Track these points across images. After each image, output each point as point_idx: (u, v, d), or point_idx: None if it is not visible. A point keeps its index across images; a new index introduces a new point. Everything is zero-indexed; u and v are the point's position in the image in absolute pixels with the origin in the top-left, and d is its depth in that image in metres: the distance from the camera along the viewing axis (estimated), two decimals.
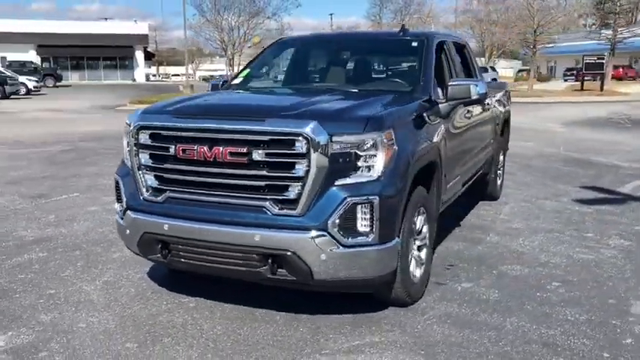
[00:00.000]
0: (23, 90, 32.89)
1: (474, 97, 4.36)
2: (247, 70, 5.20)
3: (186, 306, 3.92)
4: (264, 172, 3.33)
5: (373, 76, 5.00)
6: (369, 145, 3.31)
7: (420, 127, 3.91)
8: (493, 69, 39.83)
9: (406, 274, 3.67)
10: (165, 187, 3.62)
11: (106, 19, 68.62)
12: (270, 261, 3.33)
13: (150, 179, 3.66)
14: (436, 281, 4.35)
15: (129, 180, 3.77)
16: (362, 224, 3.29)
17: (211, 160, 3.40)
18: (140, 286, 4.29)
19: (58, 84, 43.36)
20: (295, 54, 5.48)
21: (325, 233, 3.24)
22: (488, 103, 6.07)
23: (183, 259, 3.60)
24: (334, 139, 3.25)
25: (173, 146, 3.51)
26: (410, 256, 3.77)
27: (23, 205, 6.89)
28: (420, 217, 3.95)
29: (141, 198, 3.70)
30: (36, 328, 3.59)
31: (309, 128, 3.22)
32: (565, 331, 3.54)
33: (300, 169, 3.26)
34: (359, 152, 3.31)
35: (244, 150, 3.33)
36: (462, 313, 3.79)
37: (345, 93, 4.35)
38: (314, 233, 3.25)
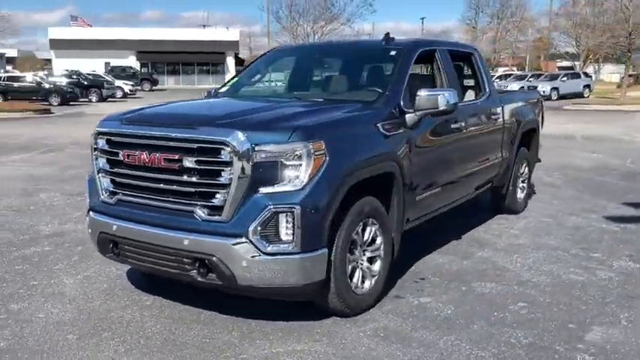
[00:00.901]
0: (120, 93, 35.15)
1: (442, 107, 4.25)
2: (236, 79, 5.37)
3: (143, 304, 4.11)
4: (194, 179, 3.46)
5: (348, 85, 4.99)
6: (294, 155, 3.35)
7: (368, 137, 3.88)
8: (586, 75, 37.74)
9: (343, 284, 3.66)
10: (117, 190, 3.84)
11: (204, 26, 71.75)
12: (197, 265, 3.45)
13: (106, 182, 3.89)
14: (396, 294, 4.29)
15: (93, 183, 4.03)
16: (283, 232, 3.33)
17: (150, 165, 3.57)
18: (114, 282, 4.54)
19: (154, 88, 45.88)
20: (281, 63, 5.58)
21: (246, 240, 3.32)
22: (495, 113, 5.87)
23: (130, 259, 3.81)
24: (258, 148, 3.32)
25: (121, 152, 3.72)
26: (349, 267, 3.75)
27: (59, 201, 7.43)
28: (369, 229, 3.92)
29: (99, 200, 3.94)
30: (1, 316, 3.91)
31: (232, 137, 3.32)
32: (498, 353, 3.40)
33: (225, 176, 3.36)
34: (285, 162, 3.36)
35: (177, 157, 3.47)
36: (401, 327, 3.73)
37: (305, 102, 4.42)
38: (236, 240, 3.34)
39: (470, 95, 5.99)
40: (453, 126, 4.95)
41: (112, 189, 3.86)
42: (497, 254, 5.27)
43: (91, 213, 4.00)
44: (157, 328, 3.72)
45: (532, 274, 4.76)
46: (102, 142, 3.88)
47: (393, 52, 4.74)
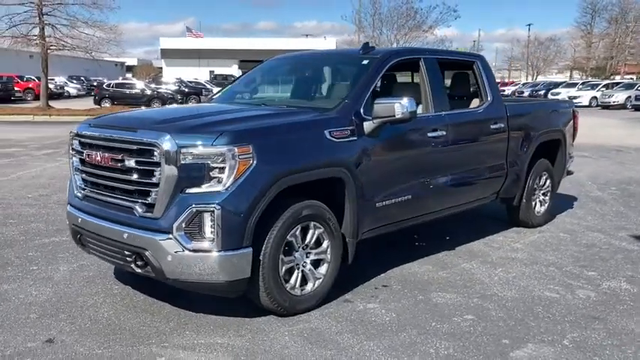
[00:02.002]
0: None
1: (398, 115, 4.26)
2: (230, 85, 5.65)
3: (111, 292, 4.47)
4: (133, 178, 3.76)
5: (318, 93, 5.09)
6: (218, 158, 3.55)
7: (310, 143, 3.99)
8: None
9: (273, 284, 3.80)
10: (84, 187, 4.23)
11: (306, 35, 73.45)
12: (135, 257, 3.75)
13: (78, 179, 4.30)
14: (348, 299, 4.36)
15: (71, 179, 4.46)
16: (205, 231, 3.54)
17: (102, 164, 3.93)
18: (100, 271, 4.95)
19: None
20: (268, 70, 5.79)
21: (171, 236, 3.57)
22: (497, 122, 5.74)
23: (90, 249, 4.18)
24: (184, 150, 3.56)
25: (85, 152, 4.11)
26: (283, 268, 3.88)
27: None
28: (311, 232, 4.03)
29: (73, 195, 4.35)
30: None
31: (161, 139, 3.59)
32: None
33: (156, 176, 3.63)
34: (211, 164, 3.57)
35: (120, 157, 3.80)
36: (329, 330, 3.80)
37: (260, 109, 4.61)
38: (163, 236, 3.59)
39: (475, 104, 5.89)
40: (431, 134, 4.92)
41: (81, 185, 4.25)
42: (482, 267, 5.16)
43: (68, 206, 4.42)
44: (109, 314, 4.04)
45: (503, 288, 4.63)
46: (75, 143, 4.28)
47: (365, 62, 4.80)
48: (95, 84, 40.34)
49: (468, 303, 4.31)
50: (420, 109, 5.13)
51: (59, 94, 41.26)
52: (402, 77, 6.44)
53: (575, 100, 36.32)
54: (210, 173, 3.57)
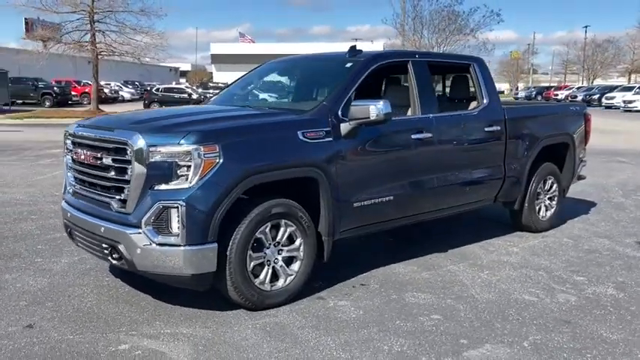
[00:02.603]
0: None
1: (373, 117, 4.34)
2: (227, 88, 5.85)
3: (100, 283, 4.72)
4: (110, 175, 3.99)
5: (301, 95, 5.20)
6: (185, 157, 3.74)
7: (281, 143, 4.12)
8: None
9: (240, 278, 3.94)
10: (74, 183, 4.49)
11: (355, 39, 73.46)
12: (111, 250, 3.97)
13: (70, 176, 4.57)
14: (322, 296, 4.46)
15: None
16: (171, 226, 3.73)
17: (86, 162, 4.18)
18: (97, 264, 5.20)
19: None
20: (262, 73, 5.95)
21: (140, 231, 3.77)
22: (493, 125, 5.72)
23: (78, 243, 4.44)
24: (153, 149, 3.75)
25: (73, 150, 4.38)
26: (251, 263, 4.02)
27: None
28: (283, 229, 4.16)
29: (66, 191, 4.63)
30: None
31: (132, 139, 3.80)
32: (358, 357, 3.47)
33: (128, 173, 3.84)
34: (178, 162, 3.75)
35: (99, 155, 4.04)
36: (292, 325, 3.91)
37: (239, 110, 4.79)
38: (133, 230, 3.80)
39: (474, 107, 5.89)
40: (416, 136, 4.97)
41: (72, 182, 4.52)
42: (468, 269, 5.16)
43: (62, 202, 4.70)
44: (91, 304, 4.28)
45: (482, 290, 4.63)
46: (68, 142, 4.56)
47: (348, 65, 4.90)
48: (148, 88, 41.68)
49: (440, 303, 4.33)
50: (409, 112, 5.21)
51: (114, 99, 42.83)
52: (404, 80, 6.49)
53: (630, 105, 35.12)
54: (178, 171, 3.75)
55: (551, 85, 68.52)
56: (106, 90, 41.45)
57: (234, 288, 3.95)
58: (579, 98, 46.90)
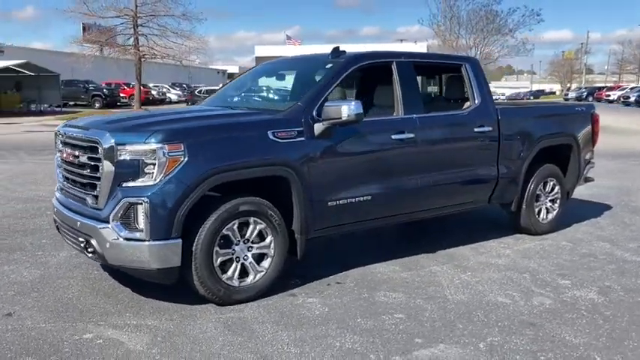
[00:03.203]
0: None
1: (344, 117, 4.40)
2: (220, 89, 6.00)
3: (87, 276, 4.93)
4: (86, 172, 4.19)
5: (281, 96, 5.28)
6: (150, 155, 3.89)
7: (249, 143, 4.22)
8: None
9: (206, 274, 4.06)
10: (61, 180, 4.73)
11: (401, 40, 73.27)
12: (86, 244, 4.17)
13: (59, 173, 4.81)
14: (294, 292, 4.54)
15: None
16: (137, 221, 3.89)
17: (67, 160, 4.40)
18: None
19: None
20: (252, 75, 6.06)
21: (108, 226, 3.95)
22: (484, 126, 5.67)
23: (63, 236, 4.66)
24: (120, 147, 3.93)
25: (59, 148, 4.61)
26: (218, 259, 4.14)
27: None
28: (252, 227, 4.27)
29: (57, 188, 4.87)
30: None
31: (102, 138, 3.98)
32: (308, 352, 3.54)
33: (99, 170, 4.03)
34: (145, 160, 3.91)
35: (77, 153, 4.24)
36: (254, 319, 4.00)
37: (215, 111, 4.93)
38: (103, 225, 3.98)
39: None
40: (396, 137, 4.99)
41: (60, 179, 4.76)
42: (451, 270, 5.14)
43: (53, 198, 4.95)
44: (73, 295, 4.49)
45: (457, 291, 4.62)
46: (58, 141, 4.79)
47: (328, 66, 4.97)
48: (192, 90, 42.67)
49: (408, 303, 4.35)
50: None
51: (161, 100, 43.99)
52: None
53: None
54: (145, 169, 3.90)
55: (606, 85, 66.33)
56: (154, 92, 42.64)
57: (200, 283, 4.08)
58: (632, 99, 45.28)
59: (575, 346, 3.67)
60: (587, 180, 6.99)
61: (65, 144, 4.49)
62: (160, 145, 3.86)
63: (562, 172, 6.61)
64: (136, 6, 26.19)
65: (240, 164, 4.15)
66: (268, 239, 4.35)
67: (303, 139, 4.43)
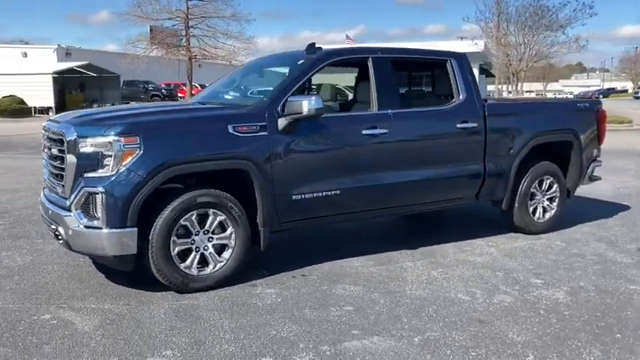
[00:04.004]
0: None
1: (305, 112, 4.47)
2: (210, 86, 6.19)
3: (73, 264, 5.19)
4: (57, 163, 4.45)
5: (255, 92, 5.38)
6: (108, 147, 4.11)
7: (209, 136, 4.37)
8: None
9: (163, 262, 4.23)
10: (46, 174, 5.02)
11: (461, 38, 71.78)
12: (55, 231, 4.43)
13: (44, 165, 5.11)
14: (255, 283, 4.65)
15: None
16: (95, 210, 4.11)
17: (46, 152, 4.68)
18: None
19: None
20: (240, 72, 6.20)
21: (71, 214, 4.19)
22: (468, 122, 5.62)
23: (46, 226, 4.96)
24: (82, 140, 4.16)
25: (43, 143, 4.91)
26: (176, 248, 4.30)
27: None
28: (211, 218, 4.42)
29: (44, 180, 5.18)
30: None
31: (66, 131, 4.23)
32: (242, 339, 3.65)
33: (65, 162, 4.28)
34: (104, 152, 4.13)
35: (50, 145, 4.52)
36: (204, 307, 4.13)
37: (186, 106, 5.08)
38: (65, 212, 4.23)
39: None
40: (367, 132, 5.02)
41: (45, 172, 5.05)
42: (423, 267, 5.12)
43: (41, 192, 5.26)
44: (51, 279, 4.76)
45: (418, 287, 4.61)
46: (44, 137, 5.09)
47: (300, 62, 5.05)
48: None
49: (363, 296, 4.38)
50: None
51: None
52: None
53: None
54: (104, 161, 4.11)
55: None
56: None
57: (157, 270, 4.25)
58: None
59: (514, 344, 3.61)
60: (593, 179, 6.76)
61: (46, 138, 4.77)
62: (116, 138, 4.06)
63: (563, 170, 6.41)
64: (187, 8, 26.98)
65: (196, 157, 4.29)
66: (229, 231, 4.48)
67: (265, 133, 4.53)
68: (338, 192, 4.90)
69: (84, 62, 35.85)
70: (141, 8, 26.97)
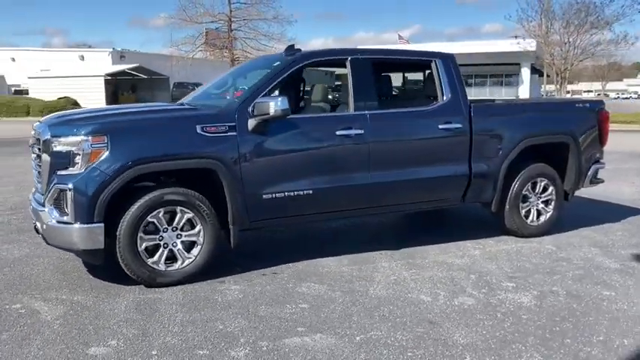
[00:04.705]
0: None
1: (272, 113, 4.57)
2: (203, 87, 6.36)
3: (63, 257, 5.46)
4: (37, 162, 4.71)
5: (232, 94, 5.51)
6: (78, 146, 4.33)
7: (173, 136, 4.53)
8: None
9: (130, 257, 4.41)
10: (35, 174, 5.30)
11: (515, 37, 70.03)
12: (34, 224, 4.69)
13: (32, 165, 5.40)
14: (224, 280, 4.78)
15: None
16: (66, 206, 4.34)
17: (32, 152, 4.96)
18: None
19: None
20: (229, 74, 6.33)
21: (45, 209, 4.44)
22: (451, 122, 5.58)
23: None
24: (55, 139, 4.39)
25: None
26: (143, 244, 4.47)
27: None
28: (180, 216, 4.58)
29: None
30: None
31: (42, 131, 4.48)
32: (187, 332, 3.79)
33: (42, 160, 4.53)
34: (74, 151, 4.35)
35: (33, 144, 4.78)
36: (165, 301, 4.27)
37: (165, 106, 5.23)
38: (41, 208, 4.48)
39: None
40: (341, 133, 5.07)
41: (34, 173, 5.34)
42: (398, 267, 5.13)
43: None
44: (37, 271, 5.02)
45: (382, 287, 4.62)
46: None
47: (275, 64, 5.15)
48: None
49: (324, 295, 4.44)
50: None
51: None
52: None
53: None
54: (75, 159, 4.33)
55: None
56: None
57: (124, 265, 4.44)
58: None
59: (455, 346, 3.60)
60: (594, 182, 6.56)
61: (34, 139, 5.04)
62: (85, 138, 4.27)
63: (560, 172, 6.26)
64: (230, 11, 27.52)
65: (162, 157, 4.45)
66: (197, 228, 4.62)
67: (234, 133, 4.65)
68: (310, 192, 4.97)
69: (134, 65, 37.01)
70: (185, 12, 27.71)
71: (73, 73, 36.87)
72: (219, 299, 4.34)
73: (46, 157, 4.42)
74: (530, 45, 48.58)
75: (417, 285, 4.67)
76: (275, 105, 4.55)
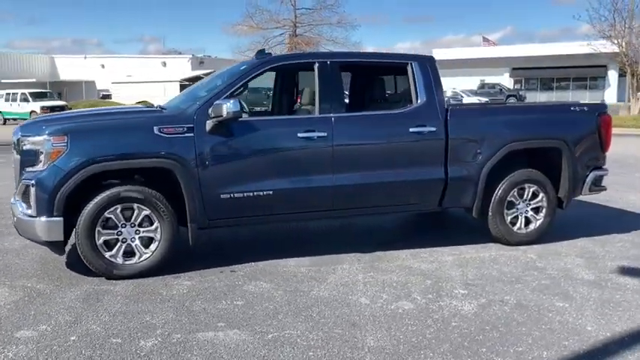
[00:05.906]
0: None
1: (224, 115, 4.73)
2: (186, 91, 6.61)
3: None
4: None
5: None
6: (41, 145, 4.68)
7: (130, 137, 4.77)
8: None
9: (88, 250, 4.69)
10: None
11: (604, 37, 66.60)
12: (12, 218, 5.09)
13: None
14: (179, 275, 4.96)
15: None
16: (30, 200, 4.69)
17: None
18: None
19: None
20: (211, 77, 6.50)
21: (15, 202, 4.83)
22: (425, 126, 5.52)
23: None
24: (24, 139, 4.77)
25: None
26: (101, 239, 4.75)
27: None
28: (137, 212, 4.83)
29: None
30: None
31: (15, 132, 4.87)
32: (114, 321, 4.01)
33: (14, 158, 4.92)
34: (39, 150, 4.70)
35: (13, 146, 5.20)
36: (117, 293, 4.52)
37: (134, 109, 5.50)
38: (12, 200, 4.88)
39: None
40: (303, 135, 5.15)
41: None
42: (357, 270, 5.12)
43: None
44: (22, 261, 5.42)
45: (328, 288, 4.65)
46: None
47: (242, 67, 5.30)
48: None
49: (265, 294, 4.53)
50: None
51: None
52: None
53: None
54: (39, 157, 4.68)
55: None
56: None
57: (83, 257, 4.74)
58: None
59: (361, 348, 3.60)
60: (595, 190, 6.24)
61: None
62: (47, 137, 4.61)
63: (554, 179, 6.01)
64: (295, 17, 28.02)
65: (119, 156, 4.70)
66: (155, 225, 4.84)
67: (191, 134, 4.85)
68: (270, 192, 5.07)
69: (210, 70, 38.36)
70: (252, 18, 28.47)
71: (154, 79, 38.75)
72: (163, 293, 4.53)
73: (16, 155, 4.79)
74: (620, 46, 45.95)
75: (365, 288, 4.66)
76: (227, 107, 4.71)
